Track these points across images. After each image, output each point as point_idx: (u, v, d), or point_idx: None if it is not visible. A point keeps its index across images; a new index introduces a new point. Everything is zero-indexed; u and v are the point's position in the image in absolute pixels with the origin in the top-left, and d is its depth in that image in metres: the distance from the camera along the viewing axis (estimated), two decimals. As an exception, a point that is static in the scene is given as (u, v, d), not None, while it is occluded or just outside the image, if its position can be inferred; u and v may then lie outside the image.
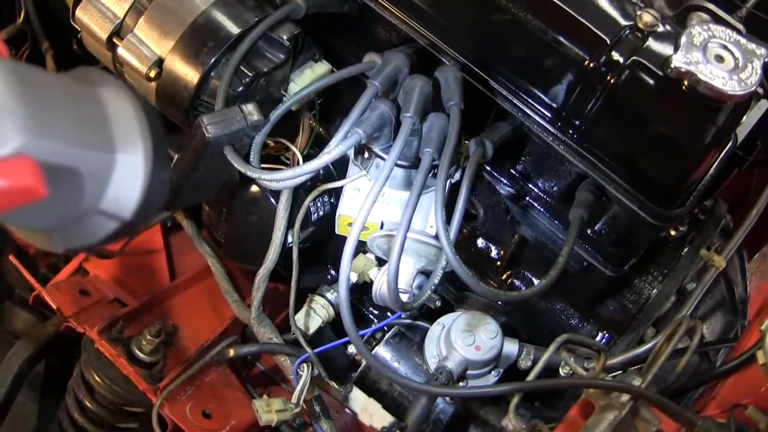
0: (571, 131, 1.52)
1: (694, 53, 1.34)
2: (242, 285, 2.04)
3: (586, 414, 1.41)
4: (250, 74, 1.57)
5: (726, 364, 1.56)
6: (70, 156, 1.07)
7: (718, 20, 1.50)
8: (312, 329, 1.83)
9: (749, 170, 1.95)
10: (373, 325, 1.94)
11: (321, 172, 1.68)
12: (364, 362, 1.86)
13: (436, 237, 1.55)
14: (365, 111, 1.50)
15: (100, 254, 2.19)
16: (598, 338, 1.83)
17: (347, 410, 1.90)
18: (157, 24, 1.61)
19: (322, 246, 1.96)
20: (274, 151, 1.75)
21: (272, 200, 1.73)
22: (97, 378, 1.88)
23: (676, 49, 1.35)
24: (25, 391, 2.13)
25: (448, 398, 1.75)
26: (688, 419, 1.31)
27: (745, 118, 1.54)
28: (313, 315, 1.85)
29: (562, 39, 1.46)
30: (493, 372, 1.71)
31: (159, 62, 1.60)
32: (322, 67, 1.71)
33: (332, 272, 2.07)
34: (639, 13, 1.43)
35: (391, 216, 1.64)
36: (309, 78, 1.68)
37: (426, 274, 1.65)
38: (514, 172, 1.69)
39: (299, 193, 1.72)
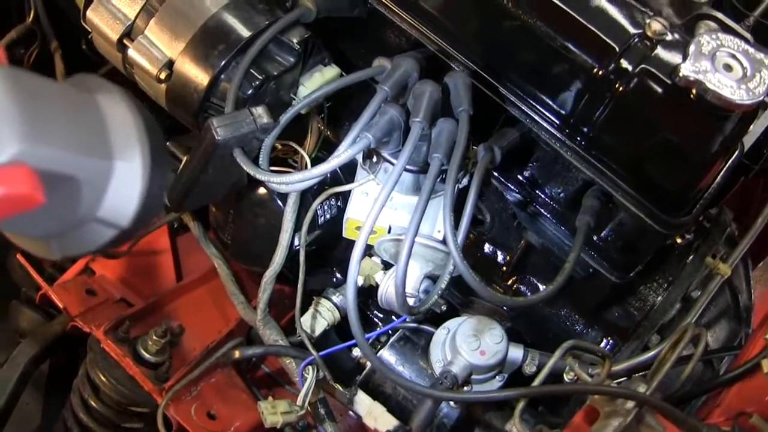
0: (579, 138, 1.53)
1: (703, 62, 1.34)
2: (248, 287, 2.05)
3: (590, 420, 1.41)
4: (260, 77, 1.58)
5: (730, 372, 1.57)
6: (68, 163, 1.07)
7: (726, 29, 1.50)
8: (317, 332, 1.83)
9: (755, 179, 1.95)
10: (378, 329, 1.94)
11: (328, 175, 1.68)
12: (368, 365, 1.86)
13: (444, 242, 1.55)
14: (375, 115, 1.50)
15: (107, 254, 2.20)
16: (603, 344, 1.84)
17: (351, 413, 1.90)
18: (167, 26, 1.61)
19: (327, 249, 1.96)
20: (281, 154, 1.75)
21: (280, 203, 1.73)
22: (102, 378, 1.89)
23: (684, 58, 1.35)
24: (29, 390, 2.14)
25: (452, 402, 1.76)
26: (692, 426, 1.32)
27: (752, 126, 1.55)
28: (319, 318, 1.85)
29: (571, 46, 1.46)
30: (497, 377, 1.71)
31: (169, 64, 1.60)
32: (332, 71, 1.72)
33: (337, 275, 2.07)
34: (648, 21, 1.43)
35: (398, 220, 1.64)
36: (318, 82, 1.69)
37: (432, 278, 1.66)
38: (521, 178, 1.70)
39: (306, 195, 1.73)
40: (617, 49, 1.43)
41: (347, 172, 1.77)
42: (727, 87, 1.32)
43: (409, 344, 1.89)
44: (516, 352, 1.69)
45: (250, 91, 1.58)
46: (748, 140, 1.64)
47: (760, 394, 1.48)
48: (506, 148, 1.56)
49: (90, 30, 1.71)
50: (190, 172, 1.56)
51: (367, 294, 1.86)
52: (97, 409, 1.95)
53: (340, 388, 1.79)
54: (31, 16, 2.27)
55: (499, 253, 1.87)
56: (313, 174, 1.49)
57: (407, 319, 1.85)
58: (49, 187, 1.01)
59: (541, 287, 1.85)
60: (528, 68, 1.55)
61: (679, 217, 1.53)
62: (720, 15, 1.53)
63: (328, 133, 1.86)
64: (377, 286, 1.73)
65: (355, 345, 1.83)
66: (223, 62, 1.57)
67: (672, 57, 1.41)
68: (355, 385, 1.81)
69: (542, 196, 1.69)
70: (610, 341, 1.84)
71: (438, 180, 1.48)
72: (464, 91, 1.52)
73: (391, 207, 1.64)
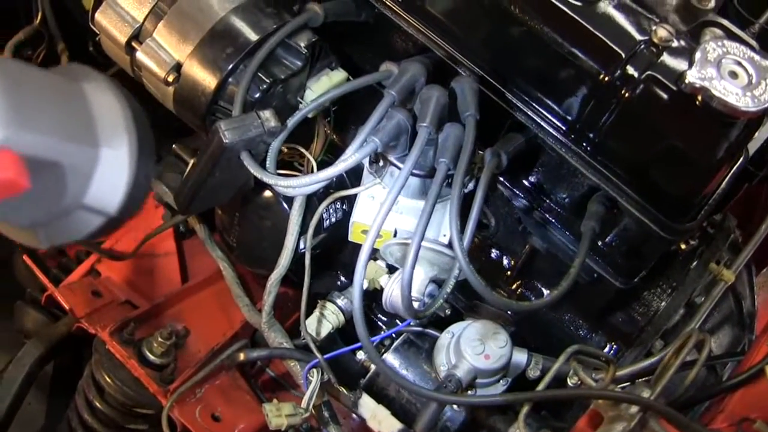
0: (584, 144, 1.53)
1: (709, 69, 1.34)
2: (253, 289, 2.05)
3: (594, 425, 1.42)
4: (267, 81, 1.59)
5: (734, 378, 1.57)
6: (53, 149, 1.07)
7: (731, 36, 1.51)
8: (322, 335, 1.84)
9: (759, 185, 1.96)
10: (383, 332, 1.95)
11: (334, 178, 1.69)
12: (372, 368, 1.86)
13: (449, 246, 1.56)
14: (382, 120, 1.50)
15: (113, 256, 2.20)
16: (606, 349, 1.84)
17: (354, 416, 1.91)
18: (176, 29, 1.62)
19: (332, 252, 1.97)
20: (287, 157, 1.76)
21: (285, 206, 1.74)
22: (107, 379, 1.89)
23: (690, 65, 1.35)
24: (33, 391, 2.14)
25: (456, 406, 1.76)
26: (696, 432, 1.32)
27: (756, 133, 1.55)
28: (324, 321, 1.86)
29: (577, 52, 1.46)
30: (501, 381, 1.72)
31: (177, 67, 1.61)
32: (339, 74, 1.73)
33: (342, 278, 2.08)
34: (654, 28, 1.44)
35: (404, 224, 1.65)
36: (325, 85, 1.69)
37: (437, 282, 1.66)
38: (526, 183, 1.70)
39: (312, 199, 1.73)
40: (623, 56, 1.43)
41: (352, 175, 1.78)
42: (732, 94, 1.33)
43: (413, 348, 1.90)
44: (520, 357, 1.70)
45: (257, 95, 1.59)
46: (752, 146, 1.64)
47: (764, 400, 1.49)
48: (512, 153, 1.57)
49: (98, 32, 1.72)
50: (197, 175, 1.56)
51: (372, 297, 1.86)
52: (102, 410, 1.95)
53: (345, 391, 1.80)
54: (39, 17, 2.28)
55: (503, 257, 1.88)
56: (320, 177, 1.49)
57: (411, 323, 1.85)
58: (35, 173, 1.01)
59: (545, 292, 1.86)
60: (534, 74, 1.56)
61: (683, 222, 1.54)
62: (725, 22, 1.53)
63: (334, 136, 1.86)
64: (382, 289, 1.73)
65: (359, 348, 1.83)
66: (231, 65, 1.58)
67: (678, 64, 1.42)
68: (359, 388, 1.82)
69: (547, 200, 1.70)
70: (614, 346, 1.85)
71: (444, 184, 1.49)
72: (471, 96, 1.52)
73: (397, 211, 1.64)
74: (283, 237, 1.73)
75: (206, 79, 1.59)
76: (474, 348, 1.64)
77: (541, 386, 1.56)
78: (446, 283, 1.54)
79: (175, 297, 2.08)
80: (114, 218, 1.18)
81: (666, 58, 1.43)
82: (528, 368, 1.71)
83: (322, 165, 1.67)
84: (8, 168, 0.98)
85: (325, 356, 1.75)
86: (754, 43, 1.49)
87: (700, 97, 1.35)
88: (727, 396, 1.59)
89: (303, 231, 1.73)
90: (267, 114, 1.50)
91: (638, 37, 1.45)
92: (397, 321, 1.99)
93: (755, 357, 1.59)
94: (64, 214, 1.15)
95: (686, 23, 1.50)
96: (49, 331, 2.09)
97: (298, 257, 1.75)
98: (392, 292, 1.69)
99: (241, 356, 1.81)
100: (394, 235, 1.66)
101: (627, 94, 1.44)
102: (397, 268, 1.74)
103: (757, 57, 1.37)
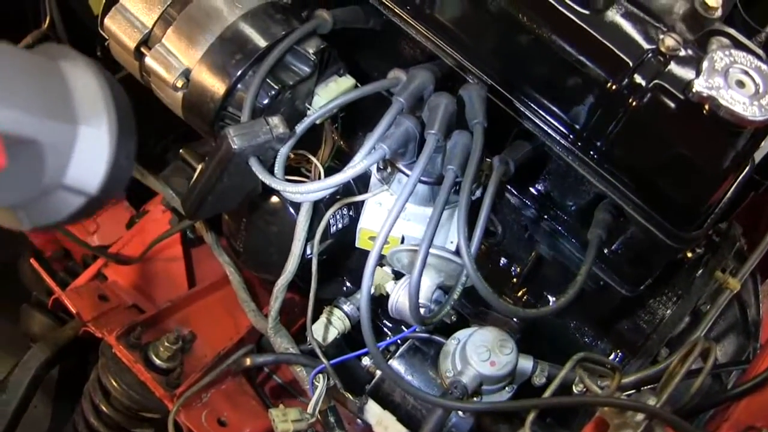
0: (591, 152, 1.54)
1: (716, 78, 1.35)
2: (259, 294, 2.06)
3: (600, 432, 1.42)
4: (276, 87, 1.59)
5: (740, 387, 1.57)
6: (30, 126, 1.05)
7: (738, 45, 1.51)
8: (328, 340, 1.85)
9: (764, 194, 1.96)
10: (387, 338, 1.96)
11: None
12: (378, 374, 1.87)
13: (456, 253, 1.56)
14: (390, 127, 1.51)
15: (120, 260, 2.21)
16: (612, 357, 1.84)
17: (359, 421, 1.91)
18: (185, 35, 1.63)
19: (338, 258, 1.97)
20: (294, 163, 1.76)
21: (292, 211, 1.75)
22: (114, 383, 1.90)
23: (698, 74, 1.35)
24: (39, 394, 2.14)
25: (462, 413, 1.76)
26: (702, 440, 1.33)
27: (763, 142, 1.55)
28: (330, 326, 1.86)
29: (585, 61, 1.47)
30: (507, 388, 1.72)
31: (186, 73, 1.61)
32: (347, 81, 1.73)
33: (348, 284, 2.09)
34: (662, 36, 1.44)
35: (412, 231, 1.65)
36: (334, 92, 1.69)
37: (443, 288, 1.67)
38: (533, 191, 1.71)
39: (319, 205, 1.74)
40: (631, 64, 1.43)
41: (359, 181, 1.79)
42: (739, 103, 1.33)
43: (419, 354, 1.90)
44: (526, 364, 1.70)
45: (266, 101, 1.59)
46: (758, 155, 1.65)
47: (770, 409, 1.49)
48: (519, 160, 1.57)
49: (107, 37, 1.72)
50: (205, 181, 1.57)
51: (377, 303, 1.87)
52: (108, 414, 1.95)
53: (351, 397, 1.80)
54: (47, 22, 2.29)
55: (509, 264, 1.88)
56: (328, 184, 1.49)
57: (417, 329, 1.86)
58: (11, 150, 1.00)
59: (551, 299, 1.86)
60: (542, 82, 1.56)
61: (690, 231, 1.54)
62: (732, 31, 1.53)
63: (341, 142, 1.87)
64: (387, 295, 1.74)
65: (365, 354, 1.84)
66: (239, 72, 1.59)
67: (685, 73, 1.42)
68: (365, 393, 1.82)
69: (554, 208, 1.70)
70: (619, 354, 1.85)
71: (451, 191, 1.49)
72: (479, 103, 1.53)
73: (404, 217, 1.65)
74: (289, 243, 1.73)
75: (215, 85, 1.59)
76: (480, 355, 1.64)
77: (547, 393, 1.56)
78: (453, 290, 1.54)
79: (182, 301, 2.09)
80: (95, 198, 1.16)
81: (673, 67, 1.43)
82: (533, 375, 1.71)
83: (329, 171, 1.68)
84: None
85: (331, 362, 1.76)
86: (761, 52, 1.49)
87: (707, 107, 1.35)
88: (733, 404, 1.58)
89: (310, 237, 1.73)
90: (275, 120, 1.50)
91: (646, 45, 1.45)
92: (402, 327, 1.99)
93: (760, 366, 1.59)
94: (44, 194, 1.13)
95: (693, 32, 1.50)
96: (55, 334, 2.09)
97: (304, 263, 1.76)
98: (398, 298, 1.70)
99: (248, 361, 1.82)
100: (402, 242, 1.67)
101: (634, 103, 1.44)
102: (402, 275, 1.74)
103: (764, 66, 1.37)
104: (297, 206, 1.72)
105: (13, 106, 1.03)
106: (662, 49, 1.43)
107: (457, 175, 1.48)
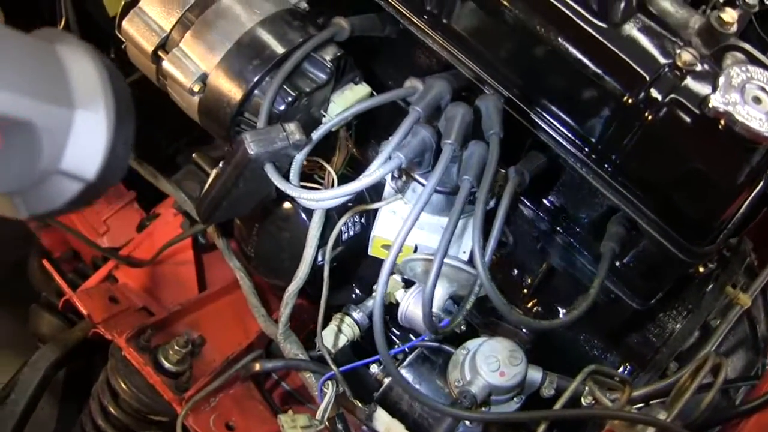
0: (606, 165, 1.54)
1: (732, 94, 1.35)
2: (269, 300, 2.06)
3: (609, 445, 1.42)
4: (293, 94, 1.59)
5: (749, 403, 1.57)
6: (25, 108, 1.04)
7: (754, 61, 1.51)
8: (338, 347, 1.85)
9: (775, 209, 1.96)
10: (396, 346, 1.96)
11: (354, 192, 1.70)
12: (386, 382, 1.87)
13: (469, 263, 1.57)
14: (407, 136, 1.51)
15: (131, 263, 2.21)
16: (621, 370, 1.84)
17: (364, 428, 1.91)
18: (203, 39, 1.63)
19: (348, 265, 1.97)
20: (307, 170, 1.76)
21: (305, 218, 1.75)
22: (122, 385, 1.90)
23: (714, 89, 1.36)
24: (45, 395, 2.14)
25: (470, 422, 1.76)
26: (713, 455, 1.33)
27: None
28: (339, 334, 1.86)
29: (602, 74, 1.47)
30: (515, 398, 1.72)
31: (203, 77, 1.62)
32: (363, 89, 1.74)
33: (357, 291, 2.09)
34: (678, 51, 1.44)
35: (425, 240, 1.65)
36: (349, 99, 1.70)
37: (454, 298, 1.67)
38: (546, 202, 1.71)
39: (331, 212, 1.74)
40: (648, 78, 1.43)
41: (371, 189, 1.78)
42: (755, 119, 1.33)
43: (427, 363, 1.90)
44: (535, 375, 1.70)
45: (282, 107, 1.59)
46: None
47: (779, 425, 1.50)
48: (533, 171, 1.58)
49: (124, 40, 1.72)
50: (220, 186, 1.57)
51: (387, 311, 1.86)
52: (116, 415, 1.95)
53: (360, 405, 1.80)
54: (62, 23, 2.29)
55: (520, 275, 1.88)
56: (345, 191, 1.49)
57: (427, 338, 1.86)
58: (7, 132, 1.00)
59: (561, 311, 1.86)
60: (558, 94, 1.56)
61: (702, 246, 1.54)
62: (747, 46, 1.54)
63: (354, 150, 1.87)
64: (397, 303, 1.74)
65: (374, 362, 1.84)
66: (257, 77, 1.59)
67: (701, 88, 1.42)
68: (374, 401, 1.82)
69: (566, 220, 1.71)
70: (628, 367, 1.85)
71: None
72: (495, 114, 1.53)
73: (418, 226, 1.63)
74: (301, 249, 1.73)
75: (232, 90, 1.60)
76: (489, 365, 1.64)
77: (558, 405, 1.56)
78: (466, 300, 1.54)
79: (192, 305, 2.09)
80: (92, 184, 1.15)
81: (690, 82, 1.43)
82: (542, 386, 1.71)
83: (342, 178, 1.68)
84: None
85: (341, 369, 1.76)
86: (776, 67, 1.50)
87: (723, 122, 1.35)
88: (742, 420, 1.59)
89: (321, 243, 1.74)
90: (292, 127, 1.50)
91: (662, 60, 1.45)
92: (411, 335, 1.99)
93: (770, 382, 1.59)
94: (41, 179, 1.13)
95: (708, 47, 1.50)
96: (65, 335, 2.10)
97: (315, 270, 1.76)
98: (408, 306, 1.70)
99: (257, 366, 1.82)
100: (415, 251, 1.67)
101: (650, 117, 1.45)
102: (412, 283, 1.75)
103: (780, 83, 1.37)
104: (309, 213, 1.73)
105: (8, 87, 1.02)
106: (679, 63, 1.43)
107: (473, 186, 1.49)
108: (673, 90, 1.43)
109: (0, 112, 1.01)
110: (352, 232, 1.82)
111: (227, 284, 2.14)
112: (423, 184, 1.59)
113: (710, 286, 1.84)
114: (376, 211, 1.76)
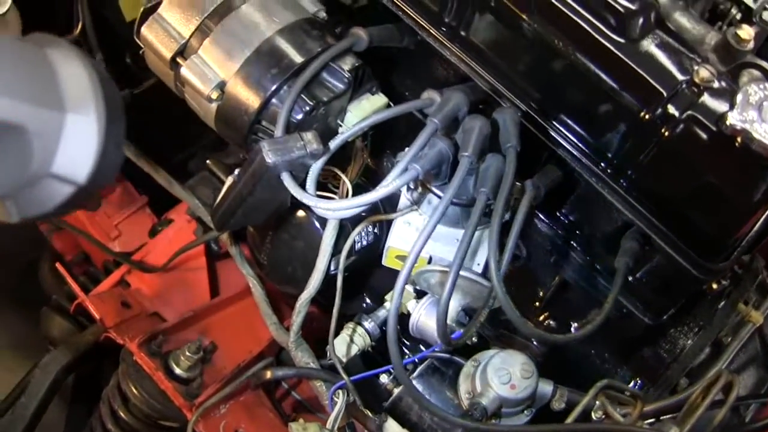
0: (621, 180, 1.55)
1: (750, 112, 1.35)
2: (281, 308, 2.06)
3: (621, 460, 1.42)
4: (310, 103, 1.60)
5: (761, 421, 1.57)
6: (16, 111, 1.05)
7: (770, 78, 1.52)
8: (349, 357, 1.85)
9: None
10: (408, 357, 1.95)
11: (369, 202, 1.70)
12: (395, 392, 1.87)
13: (483, 275, 1.57)
14: (424, 147, 1.51)
15: (143, 268, 2.22)
16: (631, 384, 1.84)
17: (371, 437, 1.91)
18: (222, 47, 1.63)
19: (360, 275, 1.97)
20: (322, 179, 1.76)
21: (319, 227, 1.75)
22: (133, 390, 1.90)
23: (731, 107, 1.36)
24: (54, 399, 2.14)
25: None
26: (725, 472, 1.33)
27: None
28: (350, 343, 1.87)
29: (619, 89, 1.47)
30: (525, 411, 1.72)
31: (221, 84, 1.62)
32: (380, 99, 1.74)
33: (368, 300, 2.09)
34: (696, 68, 1.44)
35: (439, 251, 1.66)
36: (366, 109, 1.70)
37: (466, 310, 1.67)
38: (560, 216, 1.72)
39: (344, 221, 1.74)
40: (665, 95, 1.43)
41: (385, 199, 1.78)
42: (772, 137, 1.34)
43: (437, 374, 1.90)
44: (546, 388, 1.70)
45: (300, 116, 1.59)
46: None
47: (790, 444, 1.49)
48: (549, 185, 1.58)
49: (143, 46, 1.73)
50: (236, 193, 1.57)
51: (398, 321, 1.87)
52: (126, 420, 1.95)
53: (371, 414, 1.80)
54: (79, 28, 2.30)
55: (532, 288, 1.88)
56: (361, 202, 1.49)
57: (437, 349, 1.86)
58: None
59: (573, 324, 1.86)
60: (575, 109, 1.57)
61: (716, 262, 1.54)
62: (765, 64, 1.54)
63: (369, 160, 1.87)
64: (408, 314, 1.74)
65: (385, 371, 1.84)
66: (275, 86, 1.59)
67: (718, 105, 1.42)
68: (384, 411, 1.82)
69: (580, 234, 1.71)
70: (638, 381, 1.85)
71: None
72: (513, 127, 1.53)
73: (433, 238, 1.64)
74: (314, 258, 1.73)
75: (250, 98, 1.60)
76: (501, 377, 1.64)
77: (570, 419, 1.56)
78: (480, 312, 1.55)
79: (204, 312, 2.09)
80: (83, 188, 1.16)
81: (707, 99, 1.43)
82: (553, 400, 1.71)
83: (357, 188, 1.68)
84: None
85: (352, 378, 1.76)
86: (793, 86, 1.50)
87: (739, 139, 1.35)
88: (754, 438, 1.59)
89: (334, 253, 1.74)
90: (309, 136, 1.50)
91: (680, 76, 1.45)
92: (421, 346, 1.99)
93: (781, 400, 1.59)
94: (32, 183, 1.13)
95: (725, 63, 1.50)
96: (76, 339, 2.10)
97: (327, 279, 1.76)
98: (420, 317, 1.70)
99: (268, 374, 1.82)
100: (429, 262, 1.67)
101: (667, 133, 1.45)
102: (425, 293, 1.75)
103: (797, 101, 1.37)
104: (323, 222, 1.73)
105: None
106: (696, 80, 1.43)
107: (489, 198, 1.49)
108: (690, 106, 1.42)
109: None
110: (365, 242, 1.82)
111: (239, 291, 2.14)
112: (439, 196, 1.59)
113: (722, 303, 1.84)
114: (389, 221, 1.76)
